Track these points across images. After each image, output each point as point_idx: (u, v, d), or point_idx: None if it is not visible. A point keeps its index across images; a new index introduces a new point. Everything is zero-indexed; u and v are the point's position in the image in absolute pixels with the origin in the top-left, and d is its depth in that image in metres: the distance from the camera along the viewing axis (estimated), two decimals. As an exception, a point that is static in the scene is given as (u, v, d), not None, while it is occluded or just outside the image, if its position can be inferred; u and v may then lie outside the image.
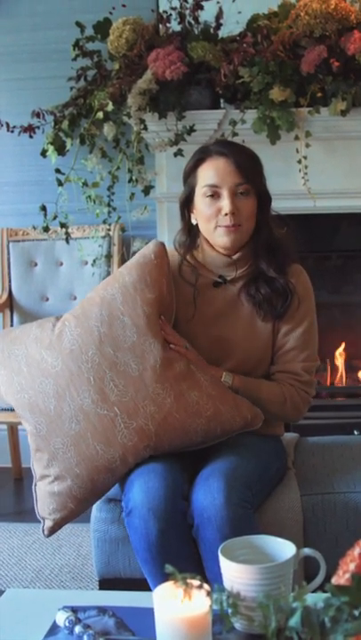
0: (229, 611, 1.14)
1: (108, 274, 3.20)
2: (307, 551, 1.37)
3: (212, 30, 3.03)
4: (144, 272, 1.81)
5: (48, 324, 1.85)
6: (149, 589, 1.65)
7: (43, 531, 1.82)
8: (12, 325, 3.36)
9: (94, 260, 3.24)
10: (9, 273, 3.39)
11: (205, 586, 1.14)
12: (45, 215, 3.14)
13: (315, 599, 1.08)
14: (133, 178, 3.07)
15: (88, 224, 3.27)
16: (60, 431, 1.76)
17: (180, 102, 2.98)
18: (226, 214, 1.85)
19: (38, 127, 3.19)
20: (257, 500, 1.77)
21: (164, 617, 1.15)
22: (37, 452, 1.81)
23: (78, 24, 3.16)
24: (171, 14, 3.05)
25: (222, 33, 3.04)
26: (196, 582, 1.13)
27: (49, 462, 1.78)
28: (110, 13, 3.15)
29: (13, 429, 3.29)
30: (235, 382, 1.85)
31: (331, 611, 0.98)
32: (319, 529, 1.86)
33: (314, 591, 1.36)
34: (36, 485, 1.83)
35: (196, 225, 1.94)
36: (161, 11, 3.12)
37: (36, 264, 3.39)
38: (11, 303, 3.38)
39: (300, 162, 2.99)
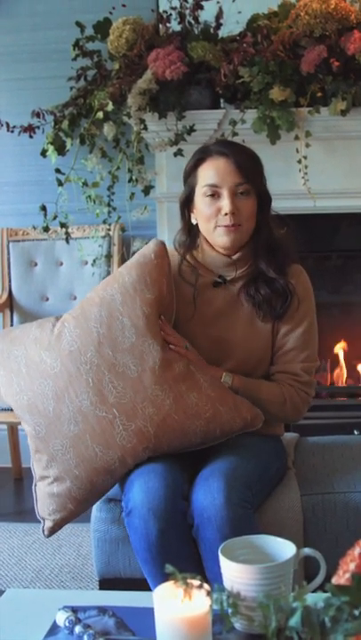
0: (229, 610, 1.13)
1: (108, 274, 3.20)
2: (307, 551, 1.37)
3: (212, 30, 3.03)
4: (144, 272, 1.81)
5: (48, 325, 1.84)
6: (149, 589, 1.65)
7: (43, 531, 1.82)
8: (11, 325, 3.36)
9: (94, 260, 3.24)
10: (9, 273, 3.39)
11: (205, 586, 1.14)
12: (45, 215, 3.14)
13: (315, 599, 1.08)
14: (133, 178, 3.07)
15: (88, 224, 3.27)
16: (58, 433, 1.75)
17: (180, 102, 2.98)
18: (226, 214, 1.85)
19: (38, 127, 3.19)
20: (257, 499, 1.77)
21: (165, 617, 1.15)
22: (37, 453, 1.81)
23: (78, 24, 3.16)
24: (171, 14, 3.05)
25: (222, 33, 3.04)
26: (196, 582, 1.13)
27: (48, 463, 1.78)
28: (110, 13, 3.15)
29: (13, 429, 3.29)
30: (235, 383, 1.85)
31: (331, 610, 0.98)
32: (319, 529, 1.86)
33: (314, 591, 1.36)
34: (36, 486, 1.83)
35: (196, 225, 1.94)
36: (161, 11, 3.12)
37: (35, 264, 3.39)
38: (11, 303, 3.38)
39: (300, 162, 2.99)
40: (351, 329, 3.52)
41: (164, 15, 3.07)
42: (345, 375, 3.45)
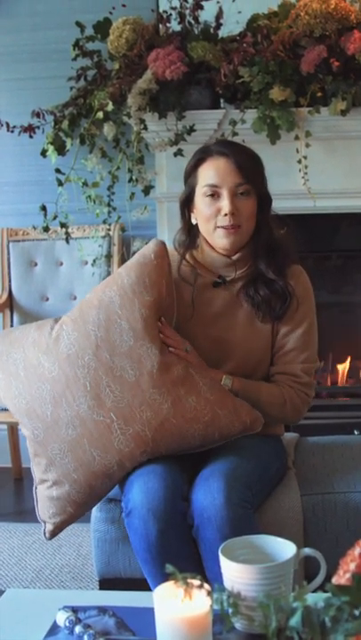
0: (230, 610, 1.13)
1: (108, 274, 3.20)
2: (307, 551, 1.37)
3: (212, 30, 3.03)
4: (143, 273, 1.79)
5: (46, 327, 1.83)
6: (150, 589, 1.65)
7: (44, 534, 1.83)
8: (11, 325, 3.36)
9: (94, 260, 3.24)
10: (9, 273, 3.39)
11: (206, 585, 1.14)
12: (45, 215, 3.14)
13: (315, 599, 1.08)
14: (133, 178, 3.07)
15: (88, 224, 3.27)
16: (56, 437, 1.75)
17: (180, 102, 2.98)
18: (225, 215, 1.85)
19: (38, 127, 3.19)
20: (257, 499, 1.77)
21: (165, 617, 1.15)
22: (36, 456, 1.80)
23: (78, 24, 3.16)
24: (171, 14, 3.05)
25: (222, 33, 3.04)
26: (196, 582, 1.13)
27: (47, 467, 1.78)
28: (110, 13, 3.15)
29: (13, 429, 3.29)
30: (234, 385, 1.84)
31: (331, 610, 0.98)
32: (319, 529, 1.86)
33: (314, 591, 1.36)
34: (36, 489, 1.83)
35: (196, 225, 1.93)
36: (161, 11, 3.12)
37: (36, 264, 3.39)
38: (11, 303, 3.38)
39: (300, 162, 2.99)
40: (351, 329, 3.53)
41: (164, 15, 3.06)
42: (345, 375, 3.45)
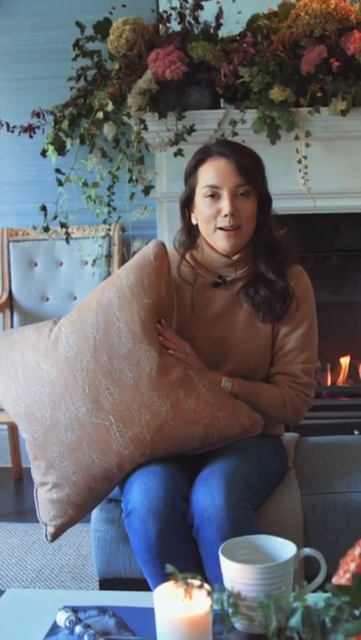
0: (230, 610, 1.13)
1: (109, 274, 3.20)
2: (307, 551, 1.37)
3: (212, 30, 3.03)
4: (142, 275, 1.78)
5: (45, 329, 1.82)
6: (150, 589, 1.65)
7: (46, 536, 1.83)
8: (12, 325, 3.36)
9: (94, 260, 3.24)
10: (9, 273, 3.39)
11: (206, 586, 1.14)
12: (45, 215, 3.14)
13: (315, 599, 1.08)
14: (133, 178, 3.07)
15: (88, 224, 3.27)
16: (56, 440, 1.74)
17: (180, 102, 2.98)
18: (225, 216, 1.84)
19: (38, 127, 3.19)
20: (257, 500, 1.77)
21: (165, 617, 1.15)
22: (35, 459, 1.80)
23: (78, 24, 3.16)
24: (171, 14, 3.05)
25: (222, 33, 3.04)
26: (196, 582, 1.13)
27: (46, 470, 1.78)
28: (110, 13, 3.15)
29: (13, 429, 3.29)
30: (234, 387, 1.84)
31: (331, 610, 0.98)
32: (320, 529, 1.86)
33: (314, 591, 1.36)
34: (36, 491, 1.83)
35: (197, 225, 1.93)
36: (161, 11, 3.12)
37: (36, 264, 3.39)
38: (11, 303, 3.38)
39: (300, 162, 2.99)
40: (351, 329, 3.53)
41: (164, 15, 3.06)
42: (345, 375, 3.45)
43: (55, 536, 1.82)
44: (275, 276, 1.90)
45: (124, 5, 3.14)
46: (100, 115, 3.05)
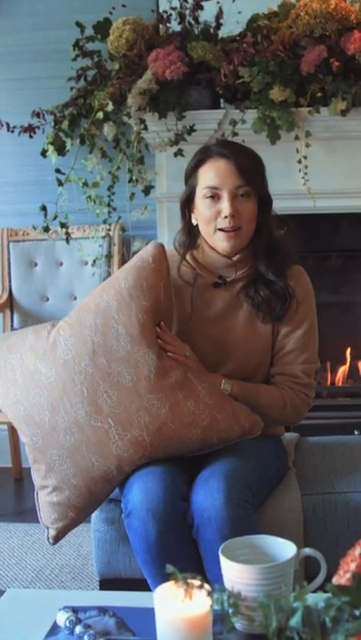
0: (230, 611, 1.13)
1: (109, 274, 3.20)
2: (307, 551, 1.36)
3: (212, 30, 3.03)
4: (140, 277, 1.77)
5: (43, 332, 1.82)
6: (150, 589, 1.65)
7: (48, 539, 1.83)
8: (12, 325, 3.36)
9: (94, 260, 3.24)
10: (9, 273, 3.39)
11: (206, 586, 1.14)
12: (45, 215, 3.14)
13: (315, 599, 1.08)
14: (133, 178, 3.07)
15: (88, 224, 3.27)
16: (55, 443, 1.74)
17: (180, 102, 2.98)
18: (225, 217, 1.84)
19: (38, 127, 3.19)
20: (257, 500, 1.77)
21: (165, 617, 1.15)
22: (35, 463, 1.80)
23: (78, 24, 3.16)
24: (171, 14, 3.05)
25: (222, 33, 3.04)
26: (196, 582, 1.13)
27: (46, 473, 1.78)
28: (110, 13, 3.15)
29: (14, 429, 3.29)
30: (234, 389, 1.84)
31: (332, 611, 0.98)
32: (320, 529, 1.86)
33: (315, 591, 1.36)
34: (37, 495, 1.83)
35: (197, 225, 1.93)
36: (161, 11, 3.12)
37: (36, 264, 3.39)
38: (11, 303, 3.38)
39: (300, 162, 2.99)
40: (351, 329, 3.53)
41: (164, 15, 3.06)
42: (345, 375, 3.44)
43: (57, 539, 1.82)
44: (275, 276, 1.90)
45: (124, 5, 3.14)
46: (100, 115, 3.05)
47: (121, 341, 1.73)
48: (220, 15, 3.00)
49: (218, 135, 3.00)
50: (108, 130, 3.05)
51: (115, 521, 1.86)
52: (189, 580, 1.12)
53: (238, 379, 1.88)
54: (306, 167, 2.99)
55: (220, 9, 2.99)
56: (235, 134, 2.93)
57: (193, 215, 1.93)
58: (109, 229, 3.26)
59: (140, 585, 1.72)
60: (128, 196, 3.09)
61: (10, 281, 3.38)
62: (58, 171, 3.11)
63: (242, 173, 1.84)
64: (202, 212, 1.88)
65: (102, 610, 1.35)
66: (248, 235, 1.89)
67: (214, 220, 1.86)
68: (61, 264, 3.37)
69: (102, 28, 3.15)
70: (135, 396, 1.70)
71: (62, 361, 1.75)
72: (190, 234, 1.96)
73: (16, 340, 1.85)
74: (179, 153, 2.95)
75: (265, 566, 1.23)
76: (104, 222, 3.17)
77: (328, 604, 0.98)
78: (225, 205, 1.84)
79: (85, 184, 3.12)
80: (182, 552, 1.68)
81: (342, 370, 3.44)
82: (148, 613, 1.20)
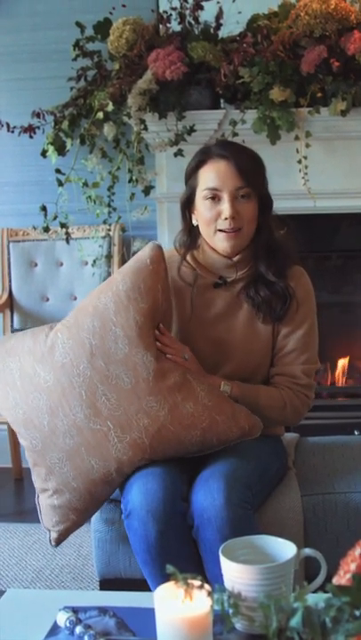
0: (230, 611, 1.13)
1: (109, 274, 3.20)
2: (307, 551, 1.37)
3: (212, 30, 3.03)
4: (138, 279, 1.76)
5: (41, 335, 1.81)
6: (150, 590, 1.65)
7: (50, 542, 1.84)
8: (12, 325, 3.36)
9: (94, 261, 3.24)
10: (9, 273, 3.39)
11: (206, 586, 1.14)
12: (45, 215, 3.14)
13: (316, 599, 1.08)
14: (133, 178, 3.07)
15: (88, 224, 3.27)
16: (54, 446, 1.74)
17: (180, 102, 2.98)
18: (226, 218, 1.84)
19: (38, 127, 3.19)
20: (257, 500, 1.77)
21: (165, 617, 1.15)
22: (35, 466, 1.80)
23: (78, 24, 3.16)
24: (171, 14, 3.05)
25: (222, 33, 3.04)
26: (196, 582, 1.13)
27: (46, 476, 1.78)
28: (110, 13, 3.15)
29: (13, 430, 3.28)
30: (233, 391, 1.83)
31: (332, 611, 0.98)
32: (320, 529, 1.86)
33: (315, 591, 1.36)
34: (38, 498, 1.84)
35: (197, 225, 1.93)
36: (161, 11, 3.12)
37: (36, 264, 3.39)
38: (11, 303, 3.38)
39: (300, 162, 2.99)
40: (351, 329, 3.53)
41: (164, 15, 3.06)
42: (345, 375, 3.44)
43: (59, 541, 1.83)
44: (275, 276, 1.89)
45: (124, 5, 3.14)
46: (100, 115, 3.05)
47: (119, 344, 1.72)
48: (220, 15, 3.00)
49: (218, 135, 3.00)
50: (108, 130, 3.05)
51: (115, 521, 1.86)
52: (189, 581, 1.12)
53: (238, 379, 1.88)
54: (306, 167, 2.99)
55: (220, 9, 2.99)
56: (235, 134, 2.93)
57: (193, 216, 1.93)
58: (109, 229, 3.26)
59: (140, 585, 1.73)
60: (128, 196, 3.09)
61: (10, 281, 3.38)
62: (58, 171, 3.11)
63: (242, 175, 1.84)
64: (202, 214, 1.88)
65: (102, 610, 1.35)
66: (249, 235, 1.89)
67: (215, 222, 1.86)
68: (61, 264, 3.37)
69: (102, 28, 3.15)
70: (134, 398, 1.70)
71: (60, 364, 1.74)
72: (191, 234, 1.96)
73: (14, 343, 1.85)
74: (179, 153, 2.95)
75: (265, 566, 1.23)
76: (104, 222, 3.17)
77: (328, 604, 0.99)
78: (225, 207, 1.84)
79: (85, 184, 3.12)
80: (182, 552, 1.68)
81: (342, 370, 3.44)
82: (149, 614, 1.20)
